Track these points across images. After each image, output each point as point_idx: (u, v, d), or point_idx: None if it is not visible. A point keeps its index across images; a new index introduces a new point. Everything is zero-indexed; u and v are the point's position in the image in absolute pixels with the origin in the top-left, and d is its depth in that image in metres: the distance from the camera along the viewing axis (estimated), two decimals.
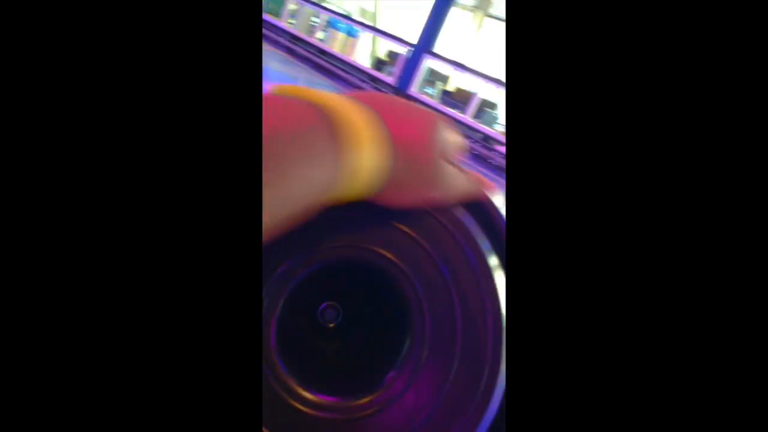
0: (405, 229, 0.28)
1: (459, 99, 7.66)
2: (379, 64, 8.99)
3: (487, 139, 6.86)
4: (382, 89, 7.94)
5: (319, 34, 8.92)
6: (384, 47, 9.09)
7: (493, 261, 0.28)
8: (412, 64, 7.68)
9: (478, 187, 0.30)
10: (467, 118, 7.19)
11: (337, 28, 8.38)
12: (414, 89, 7.83)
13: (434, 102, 7.65)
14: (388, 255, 0.27)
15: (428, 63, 7.77)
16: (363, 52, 9.31)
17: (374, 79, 8.12)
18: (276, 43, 8.50)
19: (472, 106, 7.31)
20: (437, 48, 7.65)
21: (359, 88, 7.88)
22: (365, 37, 9.12)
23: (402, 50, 7.91)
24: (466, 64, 7.33)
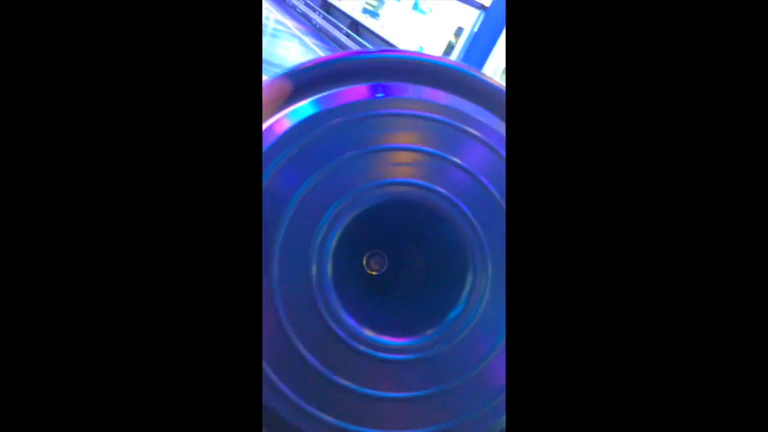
0: (457, 161, 0.28)
1: None
2: (449, 48, 5.86)
3: None
4: None
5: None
6: (455, 22, 5.87)
7: None
8: (481, 44, 4.41)
9: None
10: None
11: None
12: None
13: None
14: (440, 189, 0.28)
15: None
16: (436, 31, 6.23)
17: None
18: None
19: None
20: None
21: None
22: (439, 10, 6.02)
23: (470, 19, 4.69)
24: None
